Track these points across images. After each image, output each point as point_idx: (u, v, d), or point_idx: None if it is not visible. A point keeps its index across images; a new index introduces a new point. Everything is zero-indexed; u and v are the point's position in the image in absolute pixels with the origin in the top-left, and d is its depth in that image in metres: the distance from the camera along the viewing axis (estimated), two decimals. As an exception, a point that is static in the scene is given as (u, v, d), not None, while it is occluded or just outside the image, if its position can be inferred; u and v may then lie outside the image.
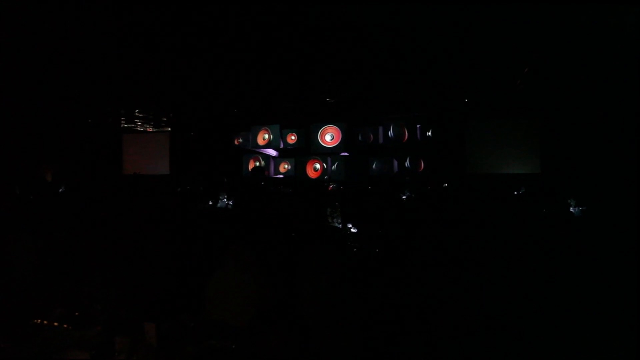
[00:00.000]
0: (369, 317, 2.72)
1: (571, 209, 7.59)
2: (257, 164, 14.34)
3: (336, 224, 6.13)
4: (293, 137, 13.83)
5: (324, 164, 13.51)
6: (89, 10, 6.02)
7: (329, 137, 13.47)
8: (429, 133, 12.54)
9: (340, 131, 13.32)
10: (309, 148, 13.67)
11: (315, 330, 2.40)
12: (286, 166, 14.20)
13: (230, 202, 8.41)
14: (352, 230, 5.98)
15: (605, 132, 10.30)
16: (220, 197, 8.48)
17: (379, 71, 8.86)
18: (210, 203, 8.46)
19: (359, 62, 8.24)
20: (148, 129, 16.10)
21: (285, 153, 14.25)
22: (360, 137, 13.22)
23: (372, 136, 13.06)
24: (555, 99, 10.92)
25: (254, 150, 14.37)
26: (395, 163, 13.06)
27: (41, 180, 9.27)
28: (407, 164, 12.80)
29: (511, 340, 3.80)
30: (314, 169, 13.70)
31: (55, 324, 1.94)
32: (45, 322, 1.94)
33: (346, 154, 13.50)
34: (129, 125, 15.47)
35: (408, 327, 3.18)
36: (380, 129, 13.05)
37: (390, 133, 12.80)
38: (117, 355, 1.82)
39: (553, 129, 11.50)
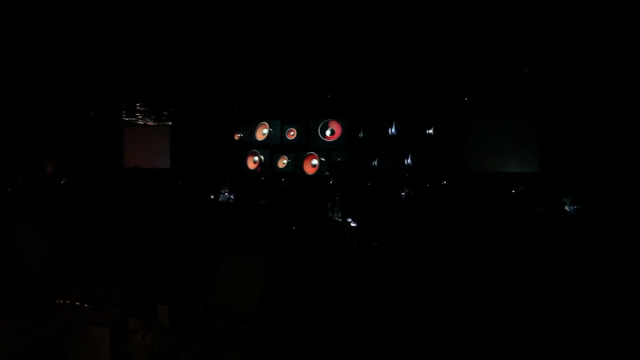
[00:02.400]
0: (368, 307, 2.82)
1: (566, 208, 7.70)
2: (256, 159, 14.46)
3: (336, 218, 6.22)
4: (292, 133, 13.93)
5: (323, 159, 13.61)
6: (91, 4, 6.07)
7: (329, 132, 13.56)
8: (430, 131, 12.64)
9: (341, 126, 13.42)
10: (310, 143, 13.77)
11: (317, 317, 2.51)
12: (284, 161, 14.31)
13: (232, 196, 8.51)
14: (352, 224, 6.08)
15: (603, 132, 10.40)
16: (222, 191, 8.57)
17: (381, 68, 8.94)
18: (212, 197, 8.56)
19: (361, 59, 8.32)
20: (149, 123, 16.18)
21: (287, 149, 14.34)
22: (361, 134, 13.31)
23: (373, 133, 13.16)
24: (555, 99, 11.02)
25: (254, 145, 14.49)
26: (396, 160, 13.16)
27: (42, 172, 9.36)
28: (407, 161, 12.91)
29: (506, 335, 3.89)
30: (312, 164, 13.81)
31: (77, 303, 2.05)
32: (67, 301, 2.05)
33: (347, 150, 13.60)
34: (130, 118, 15.54)
35: (406, 317, 3.27)
36: (382, 126, 13.15)
37: (391, 130, 12.90)
38: (131, 334, 1.93)
39: (552, 128, 11.60)
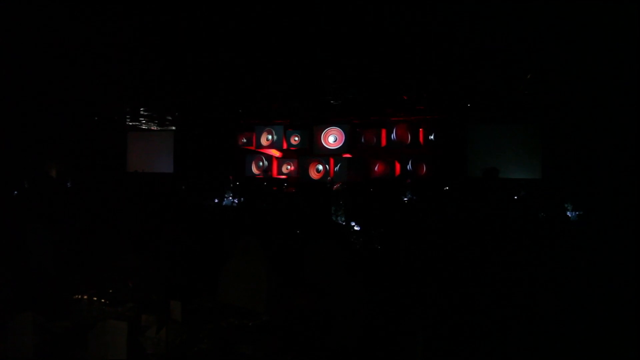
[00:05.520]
0: (370, 307, 2.88)
1: (568, 213, 7.75)
2: (261, 164, 14.55)
3: (340, 222, 6.28)
4: (296, 139, 14.02)
5: (327, 166, 13.69)
6: (96, 9, 6.15)
7: (332, 138, 13.66)
8: (432, 137, 12.72)
9: (343, 133, 13.51)
10: (312, 149, 13.86)
11: (323, 313, 2.58)
12: (289, 167, 14.41)
13: (235, 200, 8.58)
14: (355, 228, 6.14)
15: (605, 138, 10.46)
16: (226, 195, 8.64)
17: (383, 74, 9.01)
18: (216, 200, 8.63)
19: (363, 65, 8.39)
20: (152, 128, 16.27)
21: (289, 154, 14.44)
22: (363, 139, 13.39)
23: (375, 138, 13.24)
24: (557, 105, 11.08)
25: (257, 151, 14.59)
26: (398, 165, 13.24)
27: (46, 176, 9.45)
28: (409, 166, 12.98)
29: (505, 338, 3.94)
30: (317, 170, 13.89)
31: (94, 299, 2.12)
32: (84, 297, 2.12)
33: (349, 155, 13.69)
34: (134, 123, 15.63)
35: (407, 318, 3.33)
36: (383, 132, 13.24)
37: (393, 136, 12.98)
38: (144, 329, 1.99)
39: (554, 134, 11.66)
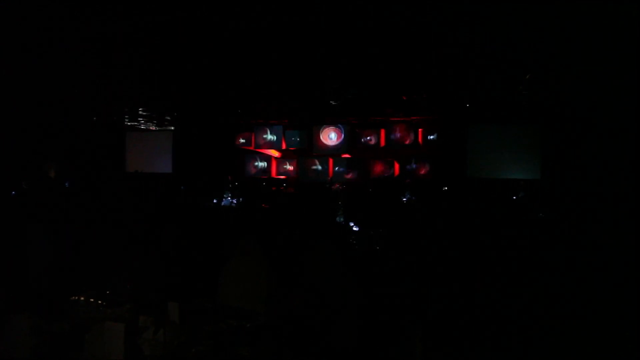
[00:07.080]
0: (369, 308, 2.87)
1: (567, 214, 7.75)
2: (257, 164, 14.54)
3: (339, 222, 6.28)
4: (296, 139, 14.00)
5: (326, 166, 13.67)
6: (96, 9, 6.13)
7: (331, 138, 13.63)
8: (431, 137, 12.70)
9: (342, 132, 13.49)
10: (311, 149, 13.83)
11: (318, 316, 2.57)
12: (286, 167, 14.38)
13: (234, 201, 8.57)
14: (354, 228, 6.13)
15: (605, 139, 10.45)
16: (225, 196, 8.62)
17: (383, 74, 9.00)
18: (215, 201, 8.61)
19: (363, 65, 8.38)
20: (151, 128, 16.23)
21: (288, 154, 14.41)
22: (362, 140, 13.38)
23: (374, 139, 13.23)
24: (557, 106, 11.07)
25: (256, 151, 14.56)
26: (397, 166, 13.23)
27: (44, 176, 9.39)
28: (408, 166, 12.96)
29: (505, 338, 3.93)
30: (316, 170, 13.88)
31: (91, 300, 2.11)
32: (82, 298, 2.11)
33: (348, 155, 13.67)
34: (132, 123, 15.59)
35: (407, 317, 3.32)
36: (383, 132, 13.22)
37: (393, 136, 12.96)
38: (142, 330, 1.98)
39: (554, 135, 11.64)
